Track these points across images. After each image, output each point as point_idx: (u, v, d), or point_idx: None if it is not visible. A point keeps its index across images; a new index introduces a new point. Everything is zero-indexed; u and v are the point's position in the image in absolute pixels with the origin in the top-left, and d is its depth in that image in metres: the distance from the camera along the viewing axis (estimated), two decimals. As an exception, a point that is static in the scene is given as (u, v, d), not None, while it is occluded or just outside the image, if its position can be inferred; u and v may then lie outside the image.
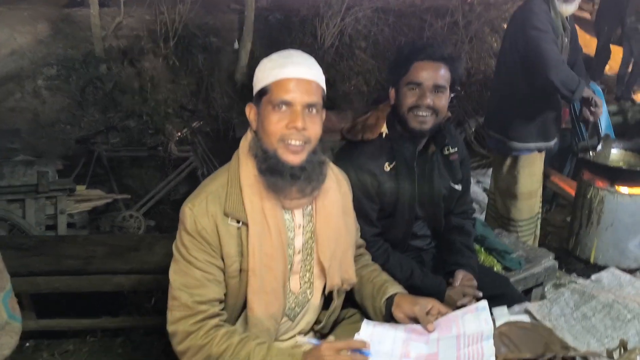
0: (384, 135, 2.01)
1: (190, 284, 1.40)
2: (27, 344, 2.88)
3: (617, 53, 7.31)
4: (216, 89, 5.80)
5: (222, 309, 1.45)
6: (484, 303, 1.48)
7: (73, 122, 5.28)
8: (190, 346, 1.39)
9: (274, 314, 1.46)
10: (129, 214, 4.25)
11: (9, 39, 5.38)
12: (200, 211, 1.41)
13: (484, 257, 2.49)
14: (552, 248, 3.04)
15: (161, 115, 5.49)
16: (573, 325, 1.54)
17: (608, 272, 1.79)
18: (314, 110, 1.43)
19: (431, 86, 1.92)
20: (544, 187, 3.96)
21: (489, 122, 3.28)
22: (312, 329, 1.63)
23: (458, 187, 2.12)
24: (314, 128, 1.42)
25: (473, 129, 5.68)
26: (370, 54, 6.96)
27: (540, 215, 3.34)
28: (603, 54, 7.32)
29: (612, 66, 7.67)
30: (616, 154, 3.54)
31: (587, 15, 9.07)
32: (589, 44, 7.58)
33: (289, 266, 1.50)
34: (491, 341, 1.33)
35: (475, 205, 4.10)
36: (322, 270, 1.53)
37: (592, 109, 2.99)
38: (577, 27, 3.19)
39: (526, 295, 2.45)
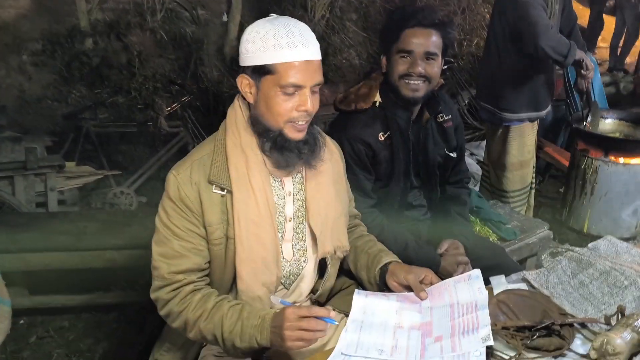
0: (377, 104, 1.98)
1: (168, 254, 1.41)
2: (22, 321, 2.87)
3: (610, 24, 7.28)
4: (205, 62, 5.71)
5: (202, 277, 1.46)
6: (477, 272, 1.46)
7: (60, 98, 5.20)
8: (169, 312, 1.43)
9: (265, 282, 1.45)
10: (120, 190, 4.19)
11: (-8, 14, 5.25)
12: (184, 178, 1.42)
13: (479, 228, 2.49)
14: (546, 219, 3.05)
15: (150, 90, 5.40)
16: (570, 292, 1.53)
17: (605, 240, 1.78)
18: (317, 88, 1.42)
19: (422, 54, 1.88)
20: (538, 158, 3.97)
21: (480, 94, 3.27)
22: (309, 298, 1.62)
23: (453, 154, 2.10)
24: (317, 104, 1.43)
25: (466, 101, 5.65)
26: (362, 27, 6.88)
27: (533, 186, 3.34)
28: (596, 24, 7.29)
29: (605, 37, 7.64)
30: (610, 124, 3.54)
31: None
32: (582, 14, 7.52)
33: (281, 234, 1.50)
34: (486, 311, 1.32)
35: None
36: (315, 238, 1.52)
37: (583, 71, 2.98)
38: (570, -3, 3.13)
39: (521, 264, 2.47)
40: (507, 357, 1.27)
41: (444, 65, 1.98)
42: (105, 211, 3.72)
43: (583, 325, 1.39)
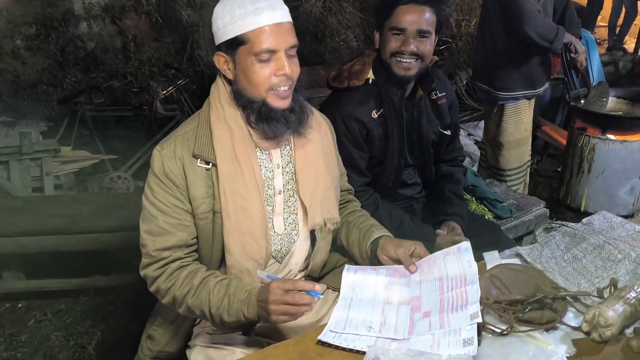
0: (370, 81, 1.95)
1: (154, 232, 1.41)
2: (20, 305, 2.88)
3: (609, 3, 7.20)
4: (201, 46, 5.65)
5: (189, 253, 1.46)
6: (466, 244, 1.44)
7: (55, 82, 5.17)
8: (157, 289, 1.44)
9: (253, 255, 1.45)
10: (117, 175, 4.18)
11: (-17, -1, 5.19)
12: (168, 154, 1.42)
13: (475, 207, 2.48)
14: (543, 198, 3.04)
15: (145, 74, 5.38)
16: (564, 267, 1.53)
17: (599, 215, 1.77)
18: (294, 51, 1.40)
19: (415, 31, 1.85)
20: (535, 137, 3.95)
21: (475, 74, 3.27)
22: (303, 272, 1.62)
23: (447, 132, 2.09)
24: (297, 69, 1.41)
25: (464, 82, 5.61)
26: (359, 8, 6.80)
27: (530, 163, 3.33)
28: (595, 3, 7.21)
29: (605, 16, 7.57)
30: (608, 102, 3.51)
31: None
32: (581, -8, 7.44)
33: (271, 207, 1.49)
34: (475, 286, 1.30)
35: (466, 159, 4.10)
36: (306, 211, 1.52)
37: (572, 54, 2.98)
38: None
39: (517, 242, 2.46)
40: (499, 331, 1.26)
41: (442, 46, 1.96)
42: (100, 194, 3.71)
43: (576, 298, 1.39)
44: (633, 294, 1.30)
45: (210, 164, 1.42)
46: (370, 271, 1.47)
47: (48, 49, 5.25)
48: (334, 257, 1.70)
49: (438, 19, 1.88)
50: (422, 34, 1.85)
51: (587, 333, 1.26)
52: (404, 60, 1.87)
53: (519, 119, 3.07)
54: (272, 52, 1.35)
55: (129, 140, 4.86)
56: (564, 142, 3.70)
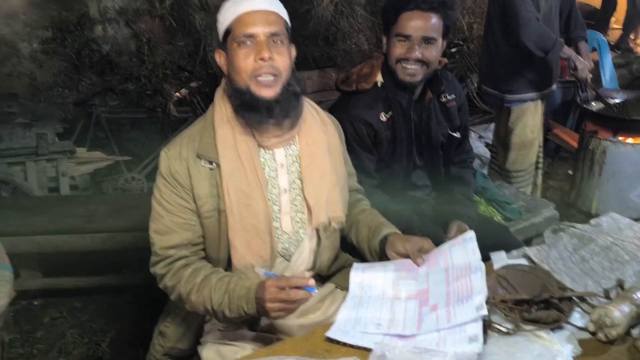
0: (379, 84, 1.97)
1: (161, 230, 1.47)
2: (36, 303, 2.93)
3: (624, 4, 7.13)
4: (213, 49, 5.71)
5: (195, 252, 1.50)
6: (470, 233, 1.47)
7: (70, 85, 5.25)
8: (165, 286, 1.49)
9: (258, 251, 1.48)
10: (131, 176, 4.24)
11: (1, 2, 5.28)
12: (174, 155, 1.46)
13: (484, 208, 2.49)
14: (554, 201, 3.04)
15: (159, 77, 5.43)
16: (571, 268, 1.54)
17: (607, 217, 1.78)
18: (279, 41, 1.44)
19: (420, 38, 1.85)
20: (546, 140, 3.94)
21: (481, 77, 3.28)
22: (310, 271, 1.64)
23: (457, 134, 2.10)
24: (282, 60, 1.43)
25: (475, 85, 5.60)
26: (371, 11, 6.81)
27: (539, 165, 3.33)
28: (609, 5, 7.13)
29: (619, 19, 7.50)
30: (620, 105, 3.50)
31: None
32: (595, -6, 7.39)
33: (278, 207, 1.52)
34: (479, 274, 1.32)
35: (477, 161, 4.11)
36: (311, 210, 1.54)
37: (571, 71, 2.95)
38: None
39: (527, 245, 2.46)
40: (505, 330, 1.28)
41: (453, 49, 1.97)
42: (114, 195, 3.77)
43: (582, 299, 1.40)
44: (639, 295, 1.31)
45: (214, 164, 1.46)
46: (379, 267, 1.50)
47: (64, 52, 5.33)
48: (343, 257, 1.72)
49: (445, 24, 1.89)
50: (427, 40, 1.86)
51: (593, 333, 1.27)
52: (409, 66, 1.88)
53: (526, 120, 3.08)
54: (250, 36, 1.41)
55: (143, 142, 4.93)
56: (575, 144, 3.69)
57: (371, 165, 1.99)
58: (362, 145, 1.95)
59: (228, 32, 1.44)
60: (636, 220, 3.24)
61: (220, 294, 1.40)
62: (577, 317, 1.34)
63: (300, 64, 1.71)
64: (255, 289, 1.35)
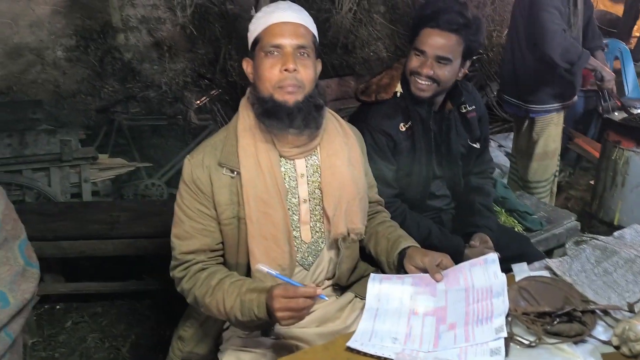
0: (398, 94, 1.98)
1: (181, 235, 1.50)
2: (58, 307, 2.98)
3: (646, 12, 7.04)
4: (234, 57, 5.77)
5: (213, 257, 1.53)
6: (493, 256, 1.44)
7: (93, 92, 5.33)
8: (182, 290, 1.52)
9: (276, 259, 1.49)
10: (151, 182, 4.29)
11: (26, 10, 5.39)
12: (196, 162, 1.50)
13: (504, 219, 2.48)
14: (575, 211, 3.01)
15: (180, 85, 5.50)
16: (594, 280, 1.52)
17: (631, 229, 1.76)
18: (305, 54, 1.46)
19: (434, 56, 1.86)
20: (567, 150, 3.90)
21: (503, 87, 3.26)
22: (330, 280, 1.65)
23: (476, 145, 2.09)
24: (306, 72, 1.46)
25: (495, 93, 5.58)
26: (389, 19, 6.83)
27: (557, 174, 3.31)
28: (631, 12, 7.04)
29: (642, 27, 7.40)
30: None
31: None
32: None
33: (297, 216, 1.54)
34: (501, 298, 1.30)
35: (497, 170, 4.08)
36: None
37: (598, 82, 2.92)
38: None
39: (548, 256, 2.44)
40: (527, 342, 1.27)
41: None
42: (136, 201, 3.82)
43: (606, 312, 1.38)
44: (664, 309, 1.29)
45: (235, 172, 1.48)
46: (396, 280, 1.49)
47: (87, 59, 5.42)
48: (363, 266, 1.72)
49: (467, 46, 1.89)
50: (441, 59, 1.87)
51: (617, 347, 1.26)
52: (420, 81, 1.90)
53: (549, 131, 3.06)
54: (278, 47, 1.44)
55: (164, 148, 4.98)
56: (597, 154, 3.65)
57: (390, 175, 1.99)
58: (381, 155, 1.96)
59: (257, 41, 1.48)
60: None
61: (232, 297, 1.41)
62: (601, 331, 1.32)
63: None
64: (265, 294, 1.35)
